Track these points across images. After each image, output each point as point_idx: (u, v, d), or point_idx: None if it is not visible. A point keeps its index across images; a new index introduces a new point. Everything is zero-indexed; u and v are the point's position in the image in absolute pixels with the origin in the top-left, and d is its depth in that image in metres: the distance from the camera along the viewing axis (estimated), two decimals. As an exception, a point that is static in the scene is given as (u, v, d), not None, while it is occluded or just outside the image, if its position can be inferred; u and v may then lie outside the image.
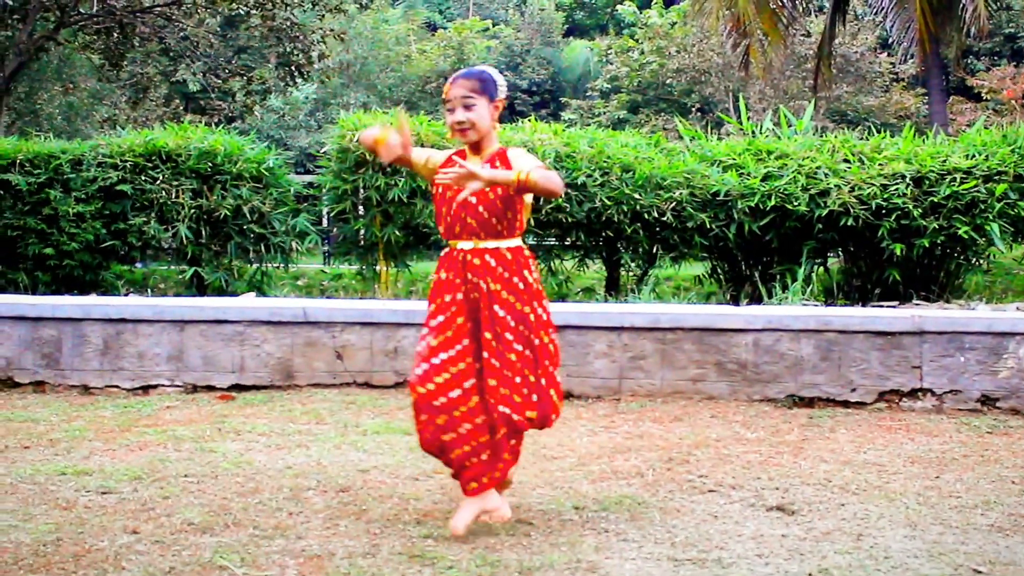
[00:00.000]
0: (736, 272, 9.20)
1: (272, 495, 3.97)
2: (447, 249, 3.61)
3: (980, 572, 3.19)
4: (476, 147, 3.57)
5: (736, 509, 3.87)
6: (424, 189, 8.39)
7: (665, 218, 8.37)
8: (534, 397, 3.49)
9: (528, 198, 3.57)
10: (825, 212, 8.16)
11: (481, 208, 3.49)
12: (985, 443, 5.08)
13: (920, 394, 5.86)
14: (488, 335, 3.48)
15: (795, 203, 8.22)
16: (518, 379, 3.46)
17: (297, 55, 19.31)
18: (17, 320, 6.34)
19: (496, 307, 3.48)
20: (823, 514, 3.81)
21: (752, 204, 8.31)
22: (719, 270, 9.38)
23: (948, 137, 9.36)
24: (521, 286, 3.53)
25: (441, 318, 3.52)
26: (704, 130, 10.50)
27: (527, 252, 3.62)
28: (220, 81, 21.27)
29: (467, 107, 3.51)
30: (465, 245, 3.53)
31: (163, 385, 6.27)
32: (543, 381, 3.52)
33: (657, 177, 8.45)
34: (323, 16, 20.02)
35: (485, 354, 3.48)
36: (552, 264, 9.23)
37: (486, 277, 3.50)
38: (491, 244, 3.52)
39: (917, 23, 16.33)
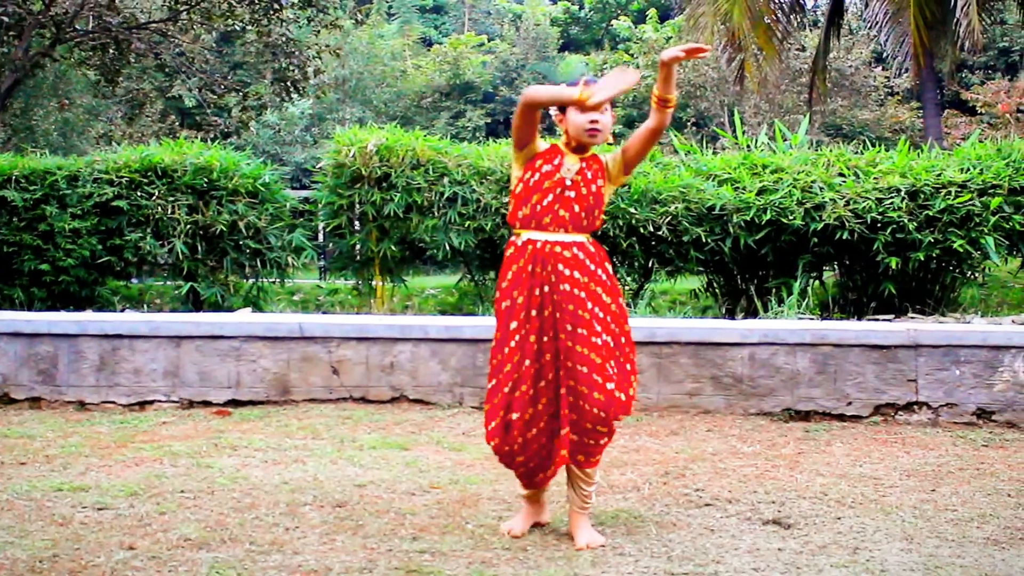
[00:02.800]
0: (732, 286, 9.20)
1: (268, 510, 3.97)
2: (522, 240, 3.61)
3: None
4: (580, 148, 3.62)
5: (732, 523, 3.87)
6: (420, 204, 8.39)
7: (661, 232, 8.37)
8: (618, 390, 3.56)
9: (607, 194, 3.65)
10: (820, 226, 8.17)
11: (575, 204, 3.56)
12: (981, 456, 5.09)
13: (916, 407, 5.87)
14: (570, 327, 3.51)
15: (790, 217, 8.23)
16: (607, 367, 3.53)
17: (293, 71, 19.32)
18: (13, 336, 6.34)
19: (584, 298, 3.52)
20: (819, 528, 3.81)
21: (747, 218, 8.32)
22: (715, 284, 9.38)
23: (943, 151, 9.37)
24: (604, 278, 3.61)
25: (515, 324, 3.54)
26: (699, 144, 10.49)
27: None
28: (216, 97, 21.25)
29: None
30: (551, 237, 3.56)
31: (159, 401, 6.27)
32: (627, 367, 3.64)
33: (653, 191, 8.46)
34: (319, 32, 20.04)
35: (570, 343, 3.50)
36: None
37: (575, 270, 3.54)
38: (577, 237, 3.58)
39: (911, 37, 16.33)
